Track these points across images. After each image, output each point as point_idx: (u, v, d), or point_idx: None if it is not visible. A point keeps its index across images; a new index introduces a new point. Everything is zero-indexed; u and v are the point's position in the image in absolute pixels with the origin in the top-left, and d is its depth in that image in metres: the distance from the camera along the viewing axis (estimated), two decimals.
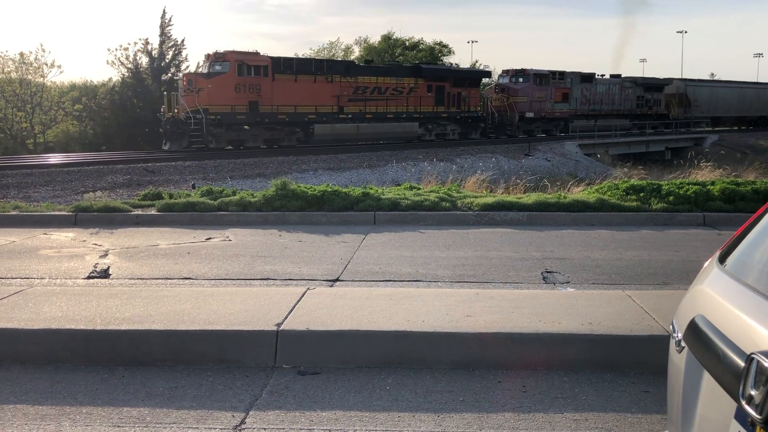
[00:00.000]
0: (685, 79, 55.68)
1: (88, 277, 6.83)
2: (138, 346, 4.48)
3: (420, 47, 67.94)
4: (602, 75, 48.98)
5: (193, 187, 19.65)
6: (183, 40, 56.50)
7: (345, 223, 10.14)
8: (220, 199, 11.12)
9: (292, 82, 32.34)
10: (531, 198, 10.82)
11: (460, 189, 12.50)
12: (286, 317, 4.72)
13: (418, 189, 12.02)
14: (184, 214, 10.59)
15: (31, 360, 4.49)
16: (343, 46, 68.56)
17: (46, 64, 48.48)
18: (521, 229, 9.53)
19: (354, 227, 9.77)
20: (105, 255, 7.98)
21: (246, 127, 31.01)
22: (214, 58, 30.61)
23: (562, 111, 44.97)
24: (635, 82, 50.70)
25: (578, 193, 12.32)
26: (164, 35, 54.19)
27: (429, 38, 71.04)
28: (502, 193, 13.19)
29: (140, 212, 10.85)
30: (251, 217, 10.43)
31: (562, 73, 45.31)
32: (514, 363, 4.37)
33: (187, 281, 6.64)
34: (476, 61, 68.43)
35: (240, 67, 30.80)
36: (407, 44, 68.14)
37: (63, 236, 9.37)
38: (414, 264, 7.26)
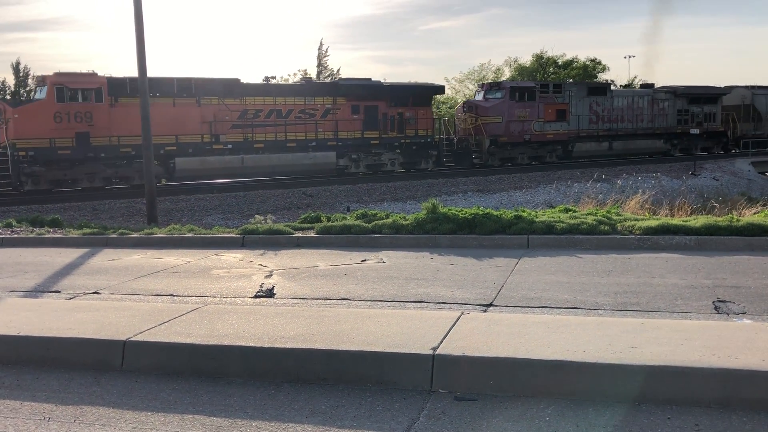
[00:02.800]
0: (752, 87, 44.61)
1: (255, 296, 7.27)
2: (302, 364, 4.69)
3: (573, 65, 66.29)
4: (625, 85, 40.26)
5: (348, 210, 20.40)
6: (338, 69, 59.15)
7: (497, 246, 10.03)
8: (374, 222, 11.43)
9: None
10: (699, 221, 10.10)
11: (620, 211, 11.94)
12: (441, 341, 4.74)
13: (574, 211, 11.63)
14: (340, 236, 10.99)
15: (206, 373, 4.84)
16: (493, 68, 68.47)
17: None
18: (688, 255, 8.91)
19: (506, 251, 9.64)
20: (270, 275, 8.46)
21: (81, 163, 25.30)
22: (37, 83, 25.83)
23: (557, 132, 35.69)
24: (674, 92, 40.43)
25: (753, 215, 11.34)
26: (321, 65, 57.08)
27: (583, 55, 68.94)
28: (665, 216, 12.44)
29: (301, 235, 11.40)
30: (403, 240, 10.61)
31: (558, 85, 37.28)
32: (684, 399, 4.08)
33: (344, 302, 6.86)
34: (634, 77, 65.50)
35: (60, 92, 25.01)
36: (559, 62, 66.75)
37: (232, 257, 10.06)
38: (571, 290, 7.02)
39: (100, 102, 25.47)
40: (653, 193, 18.20)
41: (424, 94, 33.95)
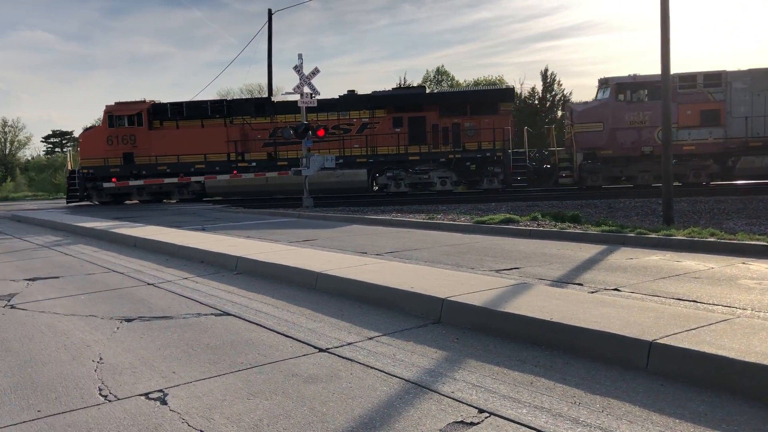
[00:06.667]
0: None
1: None
2: None
3: None
4: None
5: None
6: None
7: None
8: None
9: (173, 129, 30.30)
10: None
11: None
12: None
13: None
14: None
15: (739, 392, 4.43)
16: None
17: None
18: None
19: None
20: None
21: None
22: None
23: (703, 142, 25.56)
24: None
25: None
26: None
27: None
28: None
29: None
30: None
31: (714, 76, 25.38)
32: None
33: None
34: None
35: (111, 119, 30.15)
36: None
37: (763, 267, 9.04)
38: None
39: (141, 126, 30.46)
40: None
41: (487, 100, 28.91)
